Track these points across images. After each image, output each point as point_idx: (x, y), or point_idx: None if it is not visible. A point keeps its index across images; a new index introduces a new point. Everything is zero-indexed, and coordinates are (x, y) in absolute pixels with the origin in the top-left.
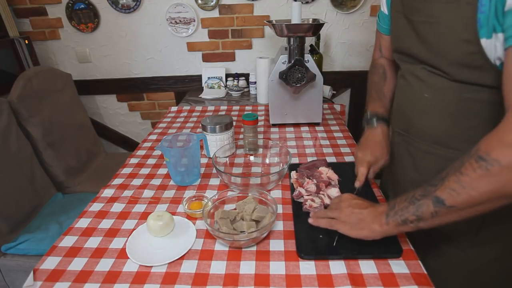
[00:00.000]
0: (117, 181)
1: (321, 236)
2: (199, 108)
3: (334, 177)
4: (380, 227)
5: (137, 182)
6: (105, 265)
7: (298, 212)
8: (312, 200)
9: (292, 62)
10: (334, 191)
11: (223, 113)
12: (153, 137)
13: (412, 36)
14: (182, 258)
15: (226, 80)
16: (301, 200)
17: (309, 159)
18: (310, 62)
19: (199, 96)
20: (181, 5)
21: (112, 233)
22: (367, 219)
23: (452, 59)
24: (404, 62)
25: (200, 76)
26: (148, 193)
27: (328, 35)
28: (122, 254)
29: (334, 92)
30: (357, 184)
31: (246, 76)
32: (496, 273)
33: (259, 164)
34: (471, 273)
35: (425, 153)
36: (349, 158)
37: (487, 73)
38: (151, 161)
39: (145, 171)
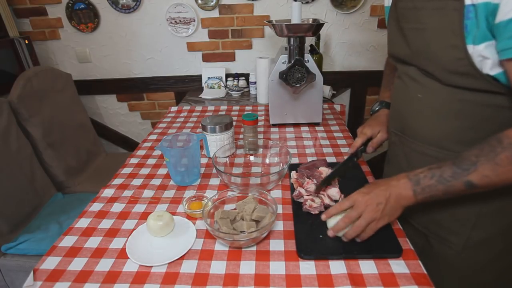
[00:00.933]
0: (117, 181)
1: (321, 236)
2: (199, 108)
3: None
4: (410, 201)
5: (137, 182)
6: (105, 265)
7: (298, 212)
8: (312, 200)
9: (292, 62)
10: (334, 191)
11: (223, 113)
12: (153, 137)
13: (402, 43)
14: (182, 258)
15: (226, 80)
16: (301, 200)
17: (309, 159)
18: (310, 62)
19: (199, 96)
20: (181, 5)
21: (112, 233)
22: (397, 204)
23: (441, 65)
24: (400, 64)
25: (200, 76)
26: (148, 193)
27: (328, 35)
28: (122, 254)
29: (334, 92)
30: (350, 150)
31: (246, 76)
32: (491, 273)
33: (259, 164)
34: (466, 274)
35: (419, 153)
36: None
37: (474, 78)
38: (151, 161)
39: (145, 171)
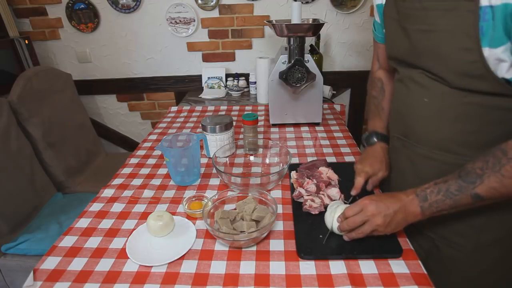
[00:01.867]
0: (117, 181)
1: (321, 236)
2: (199, 108)
3: (334, 177)
4: (416, 218)
5: (137, 182)
6: (105, 265)
7: (298, 212)
8: (312, 200)
9: (292, 62)
10: (334, 191)
11: (223, 113)
12: (153, 137)
13: (407, 44)
14: (182, 258)
15: (226, 80)
16: (301, 200)
17: (309, 159)
18: (310, 62)
19: (199, 96)
20: (181, 5)
21: (112, 233)
22: (403, 220)
23: (451, 67)
24: (401, 67)
25: (200, 76)
26: (148, 193)
27: (328, 35)
28: (122, 254)
29: (334, 92)
30: (353, 192)
31: (246, 76)
32: (498, 275)
33: (259, 164)
34: (474, 276)
35: (425, 158)
36: (349, 158)
37: (487, 81)
38: (151, 161)
39: (145, 171)
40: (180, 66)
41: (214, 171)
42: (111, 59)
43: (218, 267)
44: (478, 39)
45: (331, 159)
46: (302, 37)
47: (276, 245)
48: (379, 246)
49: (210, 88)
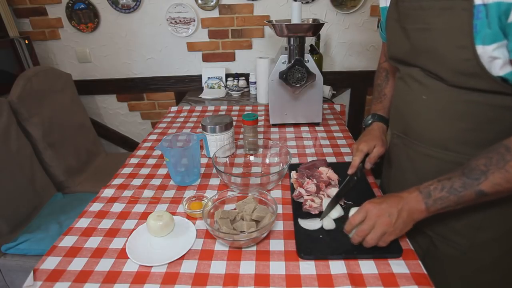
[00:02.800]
0: (117, 181)
1: (321, 236)
2: (199, 108)
3: (334, 177)
4: (422, 215)
5: (137, 182)
6: (105, 265)
7: (298, 212)
8: (312, 200)
9: (292, 62)
10: (334, 191)
11: (223, 113)
12: (153, 137)
13: (406, 44)
14: (182, 258)
15: (226, 80)
16: (301, 200)
17: (309, 159)
18: (310, 62)
19: (199, 96)
20: (181, 5)
21: (112, 233)
22: (409, 218)
23: (448, 65)
24: (401, 66)
25: (200, 76)
26: (148, 193)
27: (328, 35)
28: (122, 254)
29: (334, 92)
30: (350, 171)
31: (246, 76)
32: (495, 273)
33: (259, 164)
34: (471, 274)
35: (424, 155)
36: (349, 158)
37: (482, 79)
38: (151, 161)
39: (145, 171)
40: (180, 66)
41: (214, 171)
42: (111, 59)
43: (218, 267)
44: (472, 37)
45: (331, 159)
46: (302, 37)
47: (276, 245)
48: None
49: (210, 88)
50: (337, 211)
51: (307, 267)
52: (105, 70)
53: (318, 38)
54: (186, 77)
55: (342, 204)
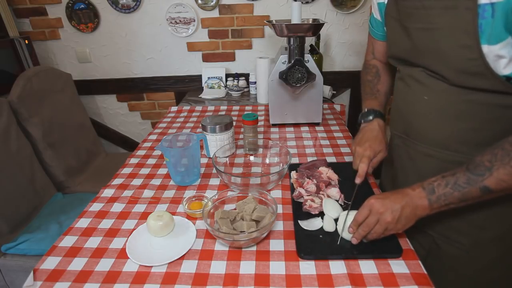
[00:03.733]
0: (117, 181)
1: (321, 236)
2: (199, 108)
3: (334, 177)
4: (425, 211)
5: (137, 182)
6: (105, 265)
7: (298, 212)
8: (312, 200)
9: (292, 62)
10: (334, 191)
11: (223, 113)
12: (153, 137)
13: (408, 43)
14: (182, 258)
15: (226, 80)
16: (301, 200)
17: (309, 159)
18: (310, 62)
19: (199, 96)
20: (181, 5)
21: (112, 233)
22: (412, 214)
23: (451, 65)
24: (402, 65)
25: (200, 76)
26: (148, 193)
27: (328, 35)
28: (122, 254)
29: (334, 92)
30: (358, 180)
31: (246, 76)
32: (498, 272)
33: (259, 164)
34: (473, 273)
35: (425, 155)
36: (349, 158)
37: (486, 79)
38: (151, 161)
39: (145, 171)
40: (180, 66)
41: (214, 171)
42: (111, 59)
43: (218, 267)
44: (477, 36)
45: (331, 159)
46: (302, 37)
47: (276, 245)
48: (379, 246)
49: (210, 88)
50: (337, 212)
51: (307, 267)
52: (105, 70)
53: (318, 38)
54: (186, 77)
55: (342, 204)
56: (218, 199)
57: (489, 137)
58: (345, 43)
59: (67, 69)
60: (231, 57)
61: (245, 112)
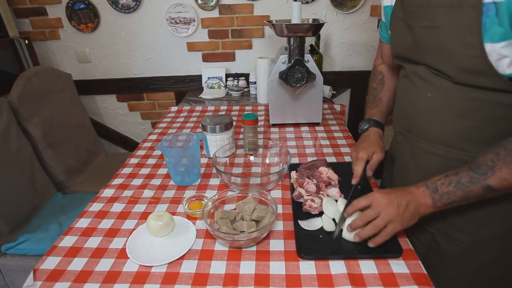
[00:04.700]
0: (117, 181)
1: (321, 236)
2: (199, 108)
3: (334, 177)
4: (429, 210)
5: (137, 182)
6: (105, 265)
7: (298, 212)
8: (312, 200)
9: (292, 62)
10: (334, 191)
11: (223, 113)
12: (153, 137)
13: (411, 41)
14: (182, 258)
15: (226, 80)
16: (301, 200)
17: (309, 159)
18: (310, 62)
19: (199, 96)
20: (181, 5)
21: (112, 233)
22: (416, 211)
23: (455, 63)
24: (406, 63)
25: (200, 76)
26: (148, 193)
27: (328, 35)
28: (122, 254)
29: (334, 92)
30: (354, 181)
31: (246, 76)
32: (498, 270)
33: (259, 164)
34: (473, 271)
35: (427, 153)
36: (349, 158)
37: (489, 77)
38: (151, 161)
39: (145, 171)
40: (180, 66)
41: (214, 171)
42: (111, 59)
43: (218, 267)
44: (481, 34)
45: (331, 159)
46: (302, 37)
47: (276, 245)
48: (379, 246)
49: (210, 88)
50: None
51: (307, 267)
52: (105, 70)
53: (318, 38)
54: (186, 77)
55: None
56: (218, 199)
57: (492, 135)
58: (345, 43)
59: (67, 69)
60: (231, 57)
61: (245, 112)
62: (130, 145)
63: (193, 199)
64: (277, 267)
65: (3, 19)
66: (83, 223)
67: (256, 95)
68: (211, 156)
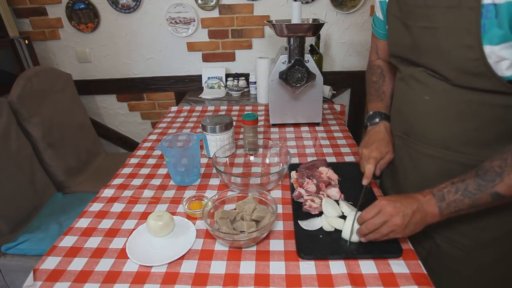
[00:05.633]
0: (117, 181)
1: (321, 236)
2: (199, 108)
3: (334, 177)
4: (435, 218)
5: (137, 182)
6: (105, 265)
7: (298, 212)
8: (312, 200)
9: (292, 62)
10: (334, 191)
11: (223, 113)
12: (153, 137)
13: (409, 42)
14: (182, 258)
15: (226, 80)
16: (301, 200)
17: (309, 159)
18: (310, 62)
19: (199, 96)
20: (181, 5)
21: (112, 233)
22: (422, 220)
23: (453, 64)
24: (403, 65)
25: (200, 76)
26: (148, 193)
27: (328, 35)
28: (122, 254)
29: (334, 92)
30: (365, 181)
31: (246, 76)
32: (498, 273)
33: (259, 164)
34: (473, 274)
35: (425, 156)
36: (349, 158)
37: (488, 79)
38: (151, 161)
39: (145, 171)
40: (180, 66)
41: (214, 171)
42: (111, 59)
43: (218, 267)
44: (480, 36)
45: (331, 159)
46: (302, 37)
47: (276, 245)
48: (379, 246)
49: (210, 88)
50: (337, 211)
51: (307, 267)
52: (105, 70)
53: (318, 38)
54: (186, 77)
55: (338, 200)
56: (218, 199)
57: (491, 137)
58: (345, 43)
59: (67, 69)
60: (231, 57)
61: (245, 112)
62: (130, 145)
63: (193, 199)
64: (277, 267)
65: (3, 19)
66: (83, 223)
67: (256, 95)
68: (211, 156)
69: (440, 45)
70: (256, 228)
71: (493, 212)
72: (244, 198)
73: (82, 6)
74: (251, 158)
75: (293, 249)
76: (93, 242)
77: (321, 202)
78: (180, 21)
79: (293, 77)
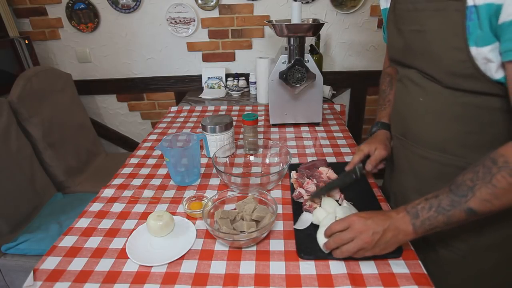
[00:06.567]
0: (117, 181)
1: None
2: (199, 108)
3: (334, 177)
4: (408, 237)
5: (137, 182)
6: (105, 265)
7: (298, 212)
8: (312, 200)
9: (292, 62)
10: (334, 191)
11: (223, 113)
12: (153, 137)
13: (402, 45)
14: (182, 258)
15: (226, 80)
16: (301, 200)
17: (309, 159)
18: (310, 62)
19: (199, 96)
20: (181, 5)
21: (112, 233)
22: (393, 239)
23: (443, 67)
24: (400, 67)
25: (200, 76)
26: (148, 193)
27: (328, 35)
28: (122, 254)
29: (334, 92)
30: (347, 167)
31: (246, 76)
32: (495, 278)
33: (259, 164)
34: (471, 278)
35: (422, 158)
36: (349, 158)
37: (478, 81)
38: (151, 161)
39: (145, 171)
40: (180, 66)
41: (214, 171)
42: (111, 59)
43: (218, 267)
44: (466, 38)
45: (331, 159)
46: (302, 37)
47: (276, 245)
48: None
49: (210, 88)
50: (331, 207)
51: (307, 267)
52: (105, 70)
53: (318, 38)
54: (186, 77)
55: (339, 200)
56: (218, 199)
57: (486, 140)
58: (345, 43)
59: (67, 69)
60: (231, 57)
61: (245, 112)
62: (130, 145)
63: (193, 199)
64: (277, 267)
65: (3, 19)
66: (83, 223)
67: (256, 95)
68: (211, 156)
69: (430, 48)
70: (256, 228)
71: (489, 218)
72: (244, 198)
73: (82, 6)
74: (251, 158)
75: (293, 249)
76: (93, 242)
77: (321, 202)
78: (180, 21)
79: (293, 77)
